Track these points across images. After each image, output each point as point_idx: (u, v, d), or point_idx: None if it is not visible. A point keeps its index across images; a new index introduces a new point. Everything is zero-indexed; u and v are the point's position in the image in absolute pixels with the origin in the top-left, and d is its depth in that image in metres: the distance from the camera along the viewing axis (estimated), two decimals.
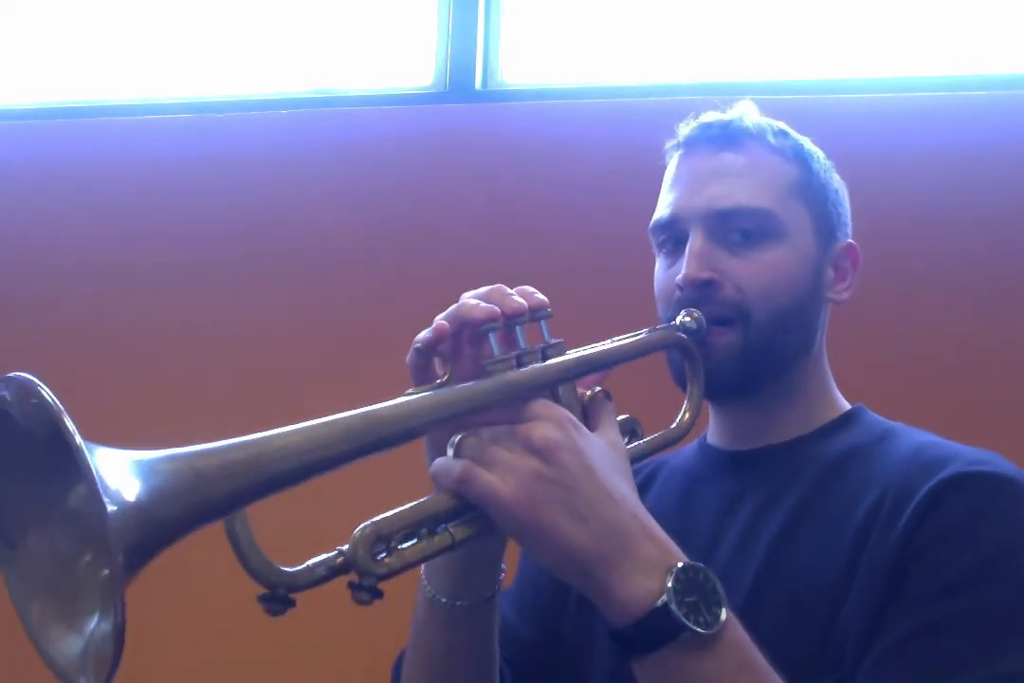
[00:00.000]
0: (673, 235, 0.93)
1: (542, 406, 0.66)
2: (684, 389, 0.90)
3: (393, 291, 1.87)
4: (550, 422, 0.65)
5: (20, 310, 2.01)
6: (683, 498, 0.94)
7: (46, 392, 0.45)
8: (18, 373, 0.47)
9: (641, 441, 0.82)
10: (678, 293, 0.89)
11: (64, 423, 0.44)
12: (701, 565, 0.64)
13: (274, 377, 1.89)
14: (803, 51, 1.87)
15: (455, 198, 1.87)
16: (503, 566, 0.80)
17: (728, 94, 1.78)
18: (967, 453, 0.82)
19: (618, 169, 1.74)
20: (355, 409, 0.61)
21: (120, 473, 0.46)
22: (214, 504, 0.52)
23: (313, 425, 0.58)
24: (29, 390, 0.45)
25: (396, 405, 0.62)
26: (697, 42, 1.93)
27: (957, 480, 0.77)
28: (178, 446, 0.53)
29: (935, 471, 0.79)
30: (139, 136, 2.02)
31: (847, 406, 0.96)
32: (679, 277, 0.88)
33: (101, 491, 0.43)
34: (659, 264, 0.96)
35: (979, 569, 0.73)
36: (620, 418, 0.77)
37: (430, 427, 0.65)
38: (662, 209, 0.94)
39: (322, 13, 2.12)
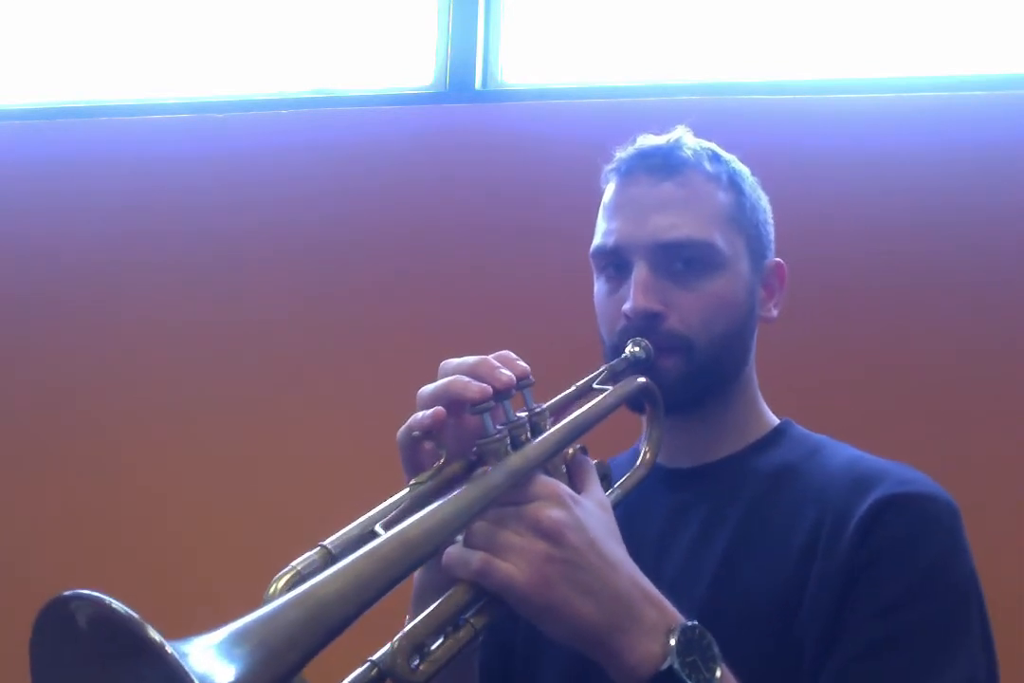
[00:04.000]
0: (614, 262, 0.95)
1: (542, 485, 0.69)
2: (636, 412, 0.95)
3: (393, 290, 1.87)
4: (552, 502, 0.67)
5: (20, 309, 2.01)
6: (627, 511, 0.94)
7: (121, 608, 0.43)
8: (85, 592, 0.45)
9: (615, 487, 0.86)
10: (623, 322, 0.93)
11: (150, 635, 0.42)
12: (696, 624, 0.69)
13: (276, 376, 1.89)
14: (803, 51, 1.87)
15: (455, 198, 1.87)
16: None
17: (728, 94, 1.79)
18: (893, 471, 0.88)
19: None
20: (379, 528, 0.61)
21: (204, 663, 0.45)
22: (284, 672, 0.50)
23: (354, 563, 0.56)
24: (101, 609, 0.44)
25: (422, 521, 0.62)
26: (696, 42, 1.93)
27: (890, 501, 0.83)
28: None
29: (868, 489, 0.85)
30: (139, 136, 2.02)
31: (776, 420, 1.01)
32: (627, 307, 0.92)
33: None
34: (599, 288, 0.99)
35: (917, 586, 0.79)
36: (593, 462, 0.80)
37: (456, 534, 0.65)
38: (604, 237, 0.96)
39: (322, 13, 2.12)
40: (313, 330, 1.89)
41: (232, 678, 0.45)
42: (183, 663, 0.42)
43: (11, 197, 2.05)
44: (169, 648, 0.42)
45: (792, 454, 0.95)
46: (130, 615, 0.43)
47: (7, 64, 2.23)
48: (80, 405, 1.96)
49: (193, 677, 0.42)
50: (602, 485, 0.81)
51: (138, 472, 1.90)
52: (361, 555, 0.57)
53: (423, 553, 0.60)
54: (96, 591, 0.44)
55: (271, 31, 2.14)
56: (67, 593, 0.45)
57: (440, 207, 1.87)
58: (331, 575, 0.55)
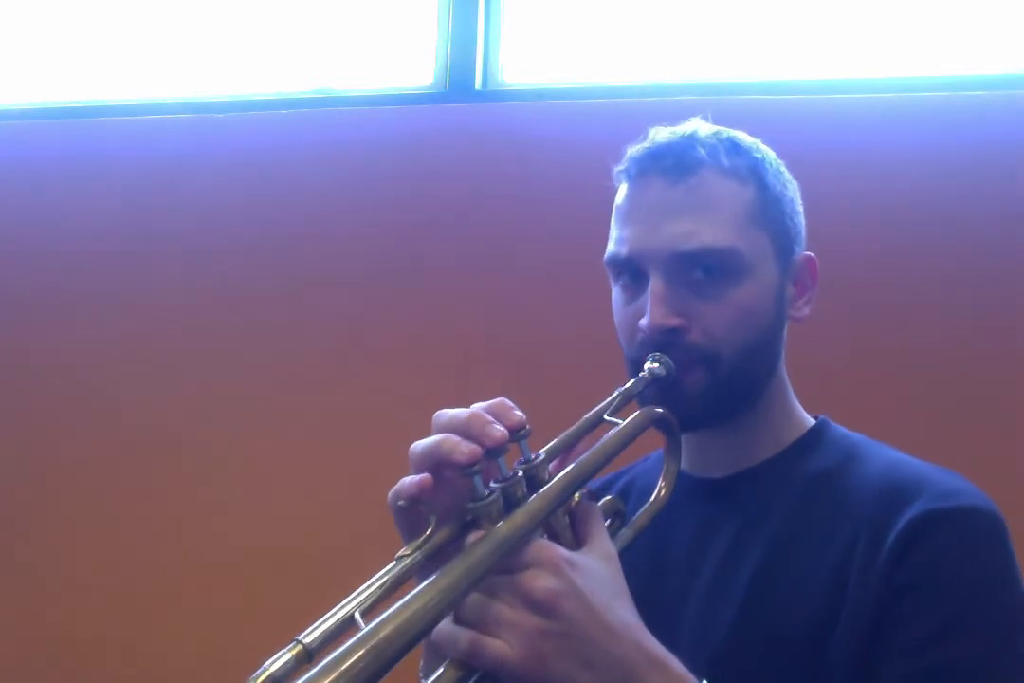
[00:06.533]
0: (629, 270, 0.90)
1: (536, 550, 0.64)
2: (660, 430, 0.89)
3: (393, 291, 1.87)
4: (546, 570, 0.63)
5: (20, 309, 2.01)
6: (656, 526, 0.90)
7: None
8: None
9: (626, 527, 0.81)
10: (641, 335, 0.87)
11: None
12: None
13: (274, 376, 1.89)
14: (803, 51, 1.87)
15: (455, 198, 1.87)
16: None
17: (728, 94, 1.79)
18: (933, 480, 0.81)
19: None
20: (351, 622, 0.56)
21: None
22: None
23: (318, 674, 0.51)
24: None
25: (394, 616, 0.56)
26: (696, 42, 1.93)
27: (929, 518, 0.76)
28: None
29: (905, 502, 0.78)
30: (139, 136, 2.02)
31: (810, 420, 0.95)
32: (643, 322, 0.86)
33: None
34: (617, 296, 0.93)
35: (960, 615, 0.73)
36: (603, 501, 0.75)
37: (436, 622, 0.60)
38: (617, 245, 0.90)
39: (322, 13, 2.12)
40: (312, 328, 1.89)
41: None
42: None
43: (11, 197, 2.05)
44: None
45: (827, 459, 0.89)
46: None
47: (7, 64, 2.23)
48: (80, 398, 1.96)
49: None
50: (615, 523, 0.77)
51: (145, 468, 1.90)
52: (322, 666, 0.52)
53: (394, 649, 0.55)
54: None
55: (271, 31, 2.14)
56: None
57: (440, 207, 1.87)
58: None
